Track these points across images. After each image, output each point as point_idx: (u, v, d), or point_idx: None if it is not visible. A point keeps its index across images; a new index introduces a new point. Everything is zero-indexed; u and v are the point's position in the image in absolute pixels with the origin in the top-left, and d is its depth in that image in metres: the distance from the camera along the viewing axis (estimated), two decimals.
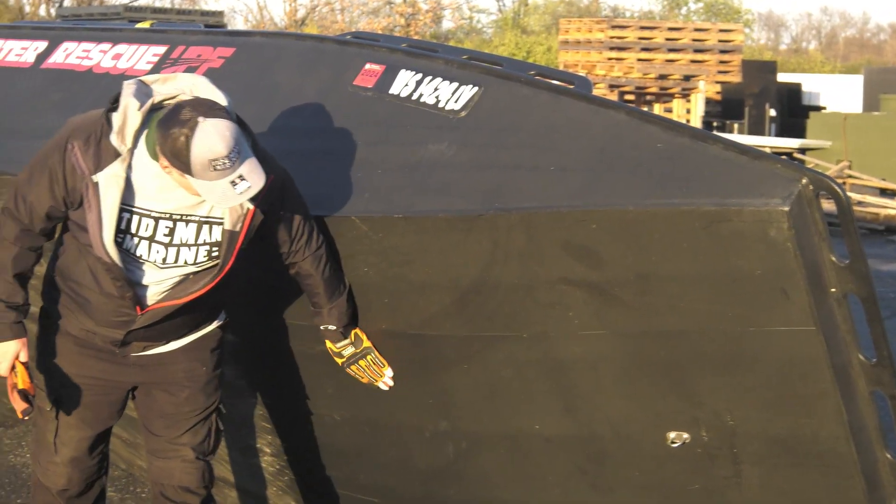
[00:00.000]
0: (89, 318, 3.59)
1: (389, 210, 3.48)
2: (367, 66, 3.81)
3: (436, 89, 3.62)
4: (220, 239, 3.48)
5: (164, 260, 3.47)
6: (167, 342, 3.70)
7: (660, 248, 3.17)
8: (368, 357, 3.80)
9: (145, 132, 3.36)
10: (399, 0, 39.24)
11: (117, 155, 3.35)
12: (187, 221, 3.45)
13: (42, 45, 5.23)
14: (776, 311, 3.11)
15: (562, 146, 3.36)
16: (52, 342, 3.67)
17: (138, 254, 3.45)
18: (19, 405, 3.54)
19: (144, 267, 3.49)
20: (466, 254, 3.44)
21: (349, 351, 3.79)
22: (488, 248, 3.39)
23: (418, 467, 4.09)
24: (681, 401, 3.40)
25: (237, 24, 43.00)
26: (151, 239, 3.44)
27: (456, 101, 3.55)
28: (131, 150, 3.36)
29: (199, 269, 3.52)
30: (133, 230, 3.43)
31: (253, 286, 3.91)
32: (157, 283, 3.52)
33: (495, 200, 3.33)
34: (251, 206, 3.42)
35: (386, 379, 3.83)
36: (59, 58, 5.08)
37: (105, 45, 4.89)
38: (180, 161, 3.22)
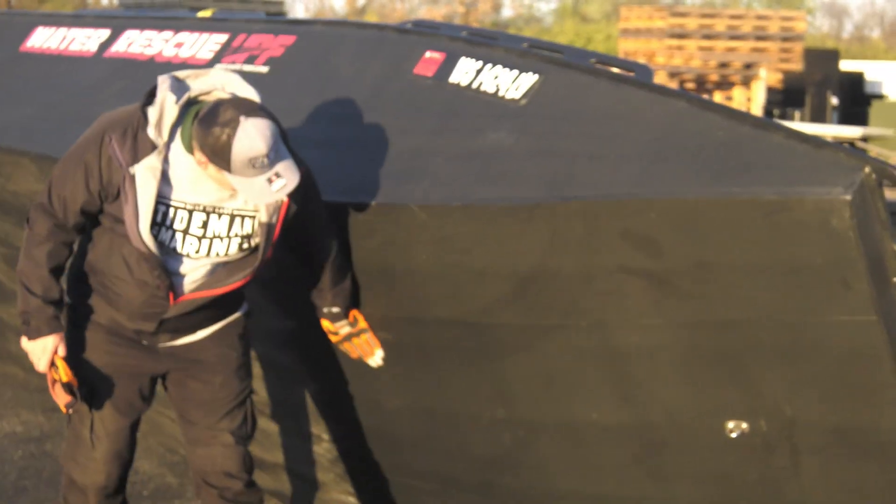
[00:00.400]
0: (120, 312, 3.64)
1: (449, 198, 3.49)
2: (428, 54, 3.82)
3: (496, 77, 3.62)
4: (251, 231, 3.57)
5: (198, 251, 3.55)
6: (195, 332, 3.75)
7: (719, 237, 3.16)
8: (363, 336, 3.92)
9: (181, 126, 3.45)
10: None
11: (154, 148, 3.43)
12: (220, 214, 3.54)
13: (105, 33, 5.29)
14: (837, 301, 3.09)
15: (621, 135, 3.35)
16: (82, 335, 3.70)
17: (172, 245, 3.53)
18: (62, 399, 3.57)
19: (178, 258, 3.56)
20: (525, 242, 3.44)
21: (345, 330, 3.90)
22: (547, 236, 3.39)
23: (475, 455, 4.09)
24: (739, 390, 3.38)
25: (298, 12, 43.17)
26: (185, 231, 3.52)
27: (516, 90, 3.55)
28: (167, 144, 3.44)
29: (231, 260, 3.61)
30: (168, 222, 3.51)
31: None
32: (191, 273, 3.59)
33: (554, 189, 3.33)
34: (285, 199, 3.50)
35: (377, 358, 3.95)
36: (121, 46, 5.14)
37: (167, 34, 4.94)
38: (221, 159, 3.31)
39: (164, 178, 3.46)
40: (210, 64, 4.54)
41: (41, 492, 5.10)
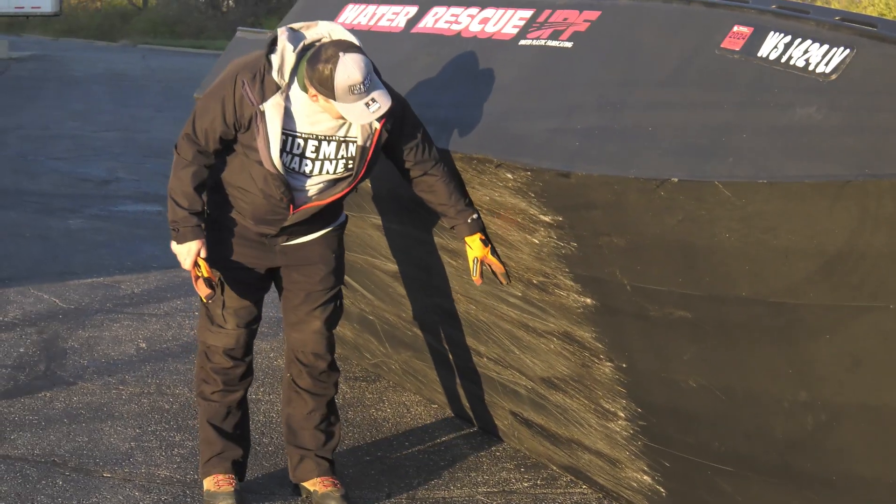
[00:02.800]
0: (248, 218, 4.50)
1: (754, 175, 3.42)
2: (736, 28, 3.75)
3: (806, 52, 3.53)
4: (354, 154, 4.39)
5: (311, 171, 4.38)
6: (305, 236, 4.61)
7: None
8: (490, 256, 4.58)
9: (297, 70, 4.23)
10: None
11: (278, 88, 4.23)
12: (329, 140, 4.35)
13: (412, 9, 5.41)
14: None
15: None
16: (216, 236, 4.51)
17: (293, 166, 4.35)
18: (204, 291, 4.41)
19: (297, 176, 4.38)
20: (833, 221, 3.35)
21: (477, 244, 4.56)
22: (857, 215, 3.29)
23: (775, 437, 4.02)
24: None
25: None
26: (302, 155, 4.35)
27: (826, 64, 3.45)
28: (288, 84, 4.24)
29: (338, 177, 4.42)
30: (290, 148, 4.32)
31: (627, 252, 3.94)
32: (307, 188, 4.42)
33: (866, 166, 3.22)
34: (378, 126, 4.32)
35: (503, 276, 4.61)
36: (428, 22, 5.24)
37: (473, 10, 5.01)
38: (326, 88, 4.12)
39: (287, 113, 4.26)
40: (515, 40, 4.58)
41: (343, 458, 5.31)
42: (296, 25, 4.32)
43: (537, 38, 4.47)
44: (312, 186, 4.42)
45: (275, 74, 4.21)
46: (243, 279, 4.62)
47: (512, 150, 4.18)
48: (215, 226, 4.53)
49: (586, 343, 4.46)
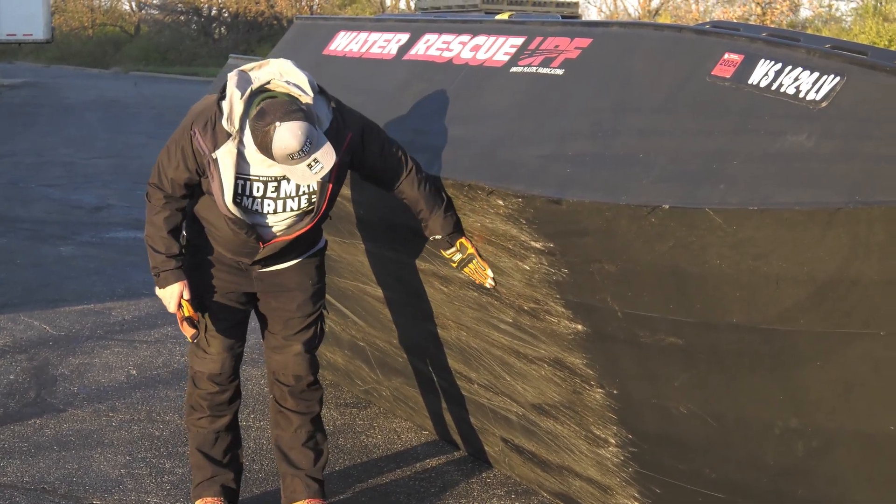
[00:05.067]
0: (222, 248, 4.58)
1: (746, 202, 3.43)
2: (727, 55, 3.76)
3: (796, 79, 3.54)
4: (315, 188, 4.41)
5: (275, 210, 4.43)
6: (281, 263, 4.68)
7: None
8: (474, 262, 4.60)
9: (248, 116, 4.21)
10: None
11: (229, 135, 4.25)
12: (289, 179, 4.36)
13: (404, 37, 5.42)
14: None
15: None
16: (196, 261, 4.62)
17: (255, 208, 4.40)
18: (189, 331, 4.47)
19: (261, 216, 4.43)
20: (824, 248, 3.35)
21: (458, 257, 4.62)
22: (848, 242, 3.30)
23: (766, 464, 4.01)
24: None
25: (591, 14, 43.20)
26: (263, 196, 4.39)
27: (817, 92, 3.46)
28: (240, 131, 4.24)
29: (302, 211, 4.47)
30: (248, 192, 4.36)
31: (618, 278, 3.94)
32: (273, 225, 4.47)
33: (856, 193, 3.23)
34: (336, 159, 4.25)
35: (489, 280, 4.59)
36: (420, 49, 5.26)
37: (464, 37, 5.02)
38: (268, 153, 4.13)
39: (241, 158, 4.29)
40: (506, 67, 4.59)
41: (333, 484, 5.29)
42: (246, 67, 4.36)
43: (528, 66, 4.49)
44: (277, 224, 4.49)
45: (225, 122, 4.25)
46: (223, 301, 4.69)
47: (503, 176, 4.18)
48: (195, 251, 4.64)
49: (577, 369, 4.46)
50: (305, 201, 4.44)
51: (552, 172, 4.01)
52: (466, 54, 4.90)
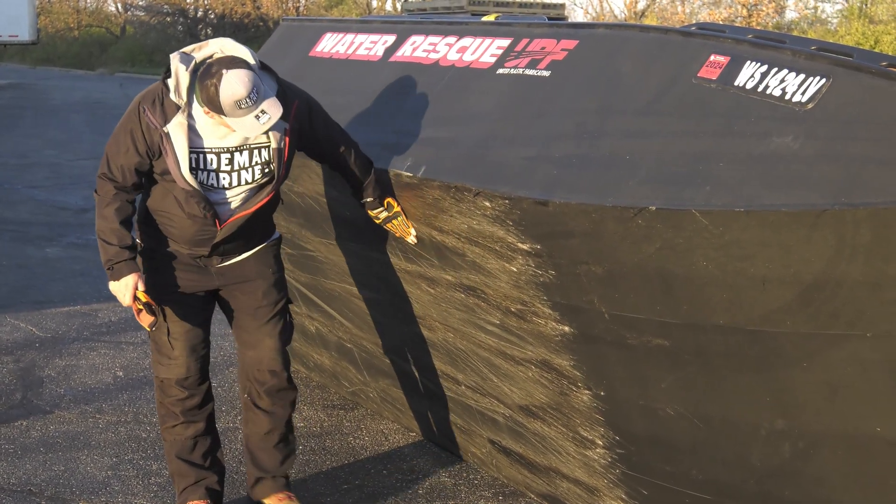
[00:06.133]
0: (180, 243, 4.56)
1: (732, 204, 3.44)
2: (712, 57, 3.77)
3: (782, 81, 3.55)
4: (269, 158, 4.47)
5: (231, 183, 4.44)
6: (239, 254, 4.68)
7: None
8: (399, 219, 4.77)
9: (194, 89, 4.28)
10: None
11: (178, 108, 4.30)
12: (241, 150, 4.41)
13: (390, 38, 5.42)
14: None
15: None
16: (153, 265, 4.62)
17: (210, 182, 4.41)
18: (147, 320, 4.45)
19: (217, 191, 4.44)
20: (810, 249, 3.36)
21: (383, 215, 4.80)
22: (833, 243, 3.30)
23: (753, 465, 4.02)
24: None
25: (577, 16, 43.25)
26: (218, 170, 4.40)
27: (803, 93, 3.47)
28: (188, 103, 4.30)
29: (258, 183, 4.49)
30: (202, 165, 4.38)
31: (605, 280, 3.94)
32: (228, 200, 4.48)
33: (842, 195, 3.24)
34: (287, 126, 4.44)
35: (412, 237, 4.79)
36: (406, 51, 5.25)
37: (451, 38, 5.02)
38: (214, 105, 4.21)
39: (193, 131, 4.33)
40: (493, 68, 4.60)
41: (321, 486, 5.29)
42: (187, 49, 4.41)
43: (515, 67, 4.49)
44: (234, 198, 4.49)
45: (172, 95, 4.29)
46: (184, 303, 4.66)
47: (490, 178, 4.18)
48: (151, 254, 4.64)
49: (564, 371, 4.46)
50: (259, 172, 4.47)
51: (539, 174, 4.01)
52: (453, 56, 4.90)
